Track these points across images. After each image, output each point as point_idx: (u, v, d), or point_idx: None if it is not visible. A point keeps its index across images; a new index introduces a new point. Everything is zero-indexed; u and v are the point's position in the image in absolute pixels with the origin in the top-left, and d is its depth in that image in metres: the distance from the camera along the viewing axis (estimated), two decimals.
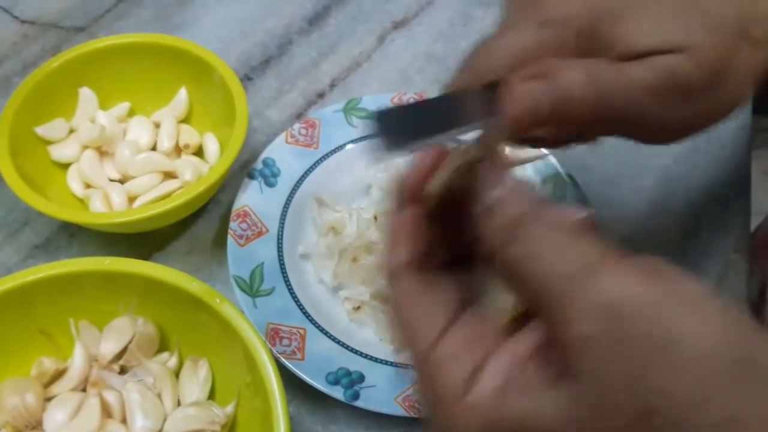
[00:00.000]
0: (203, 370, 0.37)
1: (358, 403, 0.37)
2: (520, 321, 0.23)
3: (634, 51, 0.28)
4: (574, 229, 0.22)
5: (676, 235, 0.48)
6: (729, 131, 0.53)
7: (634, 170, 0.51)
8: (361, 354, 0.40)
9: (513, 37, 0.29)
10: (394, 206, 0.25)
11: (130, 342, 0.37)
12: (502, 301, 0.24)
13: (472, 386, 0.21)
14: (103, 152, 0.48)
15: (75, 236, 0.47)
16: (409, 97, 0.50)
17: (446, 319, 0.23)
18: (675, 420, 0.19)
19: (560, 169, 0.47)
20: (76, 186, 0.46)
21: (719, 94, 0.29)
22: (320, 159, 0.48)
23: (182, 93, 0.49)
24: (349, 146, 0.48)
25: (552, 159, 0.47)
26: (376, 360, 0.39)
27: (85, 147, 0.47)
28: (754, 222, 0.52)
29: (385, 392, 0.38)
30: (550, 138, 0.32)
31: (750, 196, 0.50)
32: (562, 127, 0.31)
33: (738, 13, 0.29)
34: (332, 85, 0.55)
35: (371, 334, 0.42)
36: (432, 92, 0.51)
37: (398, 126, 0.24)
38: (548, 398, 0.20)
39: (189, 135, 0.48)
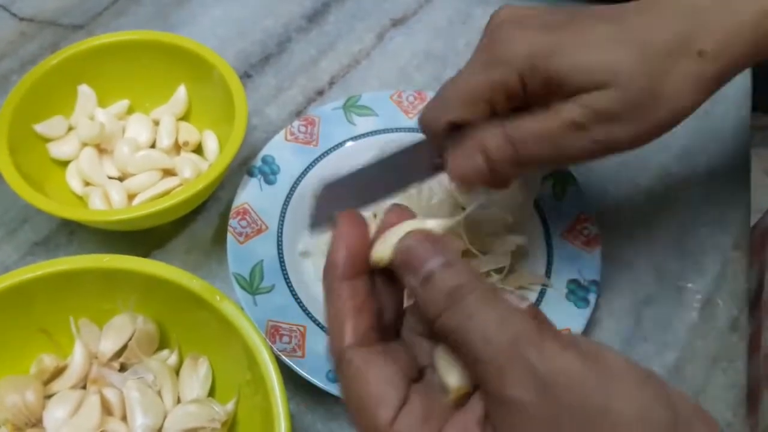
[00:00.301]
0: (203, 367, 0.37)
1: None
2: (465, 395, 0.24)
3: (567, 88, 0.31)
4: (511, 305, 0.23)
5: (675, 232, 0.48)
6: (728, 129, 0.53)
7: (634, 168, 0.51)
8: None
9: (466, 78, 0.33)
10: (329, 286, 0.26)
11: (129, 339, 0.37)
12: (445, 370, 0.25)
13: None
14: (102, 150, 0.48)
15: (74, 234, 0.47)
16: (408, 94, 0.50)
17: (399, 396, 0.24)
18: None
19: (560, 167, 0.47)
20: (75, 183, 0.46)
21: (655, 111, 0.31)
22: (320, 156, 0.48)
23: (181, 90, 0.49)
24: (349, 144, 0.48)
25: None
26: None
27: (84, 144, 0.47)
28: (753, 220, 0.52)
29: None
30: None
31: (750, 194, 0.50)
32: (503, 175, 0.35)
33: (681, 33, 0.31)
34: (331, 83, 0.55)
35: None
36: (431, 89, 0.51)
37: (330, 202, 0.25)
38: None
39: (188, 132, 0.48)
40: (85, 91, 0.49)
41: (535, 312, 0.23)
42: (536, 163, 0.33)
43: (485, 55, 0.33)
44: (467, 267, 0.24)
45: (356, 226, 0.26)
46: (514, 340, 0.22)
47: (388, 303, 0.26)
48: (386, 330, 0.26)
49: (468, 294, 0.23)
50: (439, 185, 0.44)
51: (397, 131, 0.49)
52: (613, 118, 0.31)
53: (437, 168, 0.36)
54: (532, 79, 0.32)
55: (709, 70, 0.31)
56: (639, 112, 0.31)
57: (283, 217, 0.45)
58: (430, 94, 0.50)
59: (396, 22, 0.59)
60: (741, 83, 0.55)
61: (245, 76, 0.55)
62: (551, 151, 0.32)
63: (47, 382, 0.37)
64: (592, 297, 0.42)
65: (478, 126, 0.33)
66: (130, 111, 0.50)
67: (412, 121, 0.49)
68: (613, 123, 0.31)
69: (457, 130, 0.34)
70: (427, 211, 0.43)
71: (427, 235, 0.25)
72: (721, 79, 0.32)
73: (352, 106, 0.49)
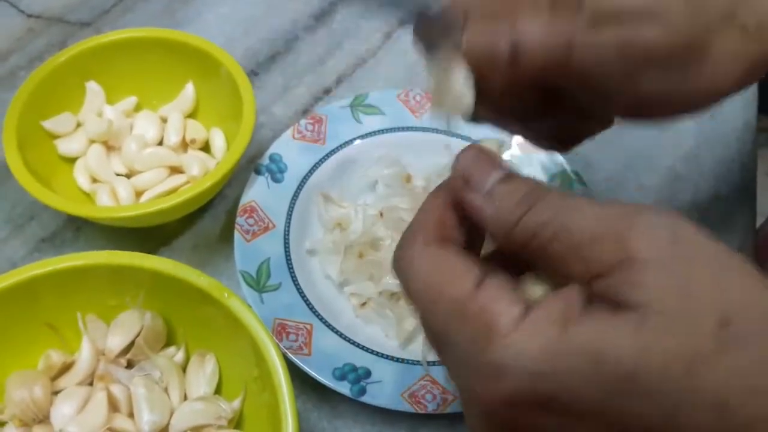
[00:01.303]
0: (210, 364, 0.37)
1: (365, 399, 0.37)
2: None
3: (604, 9, 0.26)
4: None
5: None
6: (735, 132, 0.53)
7: (640, 169, 0.51)
8: (367, 350, 0.40)
9: None
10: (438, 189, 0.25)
11: (137, 336, 0.37)
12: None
13: (533, 310, 0.21)
14: (109, 147, 0.48)
15: (81, 230, 0.47)
16: (415, 93, 0.50)
17: (477, 276, 0.22)
18: (750, 340, 0.19)
19: (566, 167, 0.47)
20: (82, 180, 0.46)
21: (696, 74, 0.27)
22: (327, 155, 0.48)
23: (189, 88, 0.49)
24: (356, 142, 0.48)
25: (559, 157, 0.47)
26: (382, 356, 0.39)
27: (92, 141, 0.47)
28: (758, 222, 0.52)
29: (391, 388, 0.38)
30: (527, 117, 0.31)
31: (755, 196, 0.50)
32: (526, 93, 0.28)
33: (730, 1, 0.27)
34: (339, 81, 0.55)
35: (378, 330, 0.42)
36: None
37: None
38: (613, 326, 0.20)
39: (196, 130, 0.48)
40: (93, 87, 0.49)
41: None
42: (561, 82, 0.27)
43: None
44: (528, 178, 0.23)
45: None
46: (623, 211, 0.21)
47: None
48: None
49: (545, 195, 0.22)
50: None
51: (404, 130, 0.49)
52: (650, 56, 0.26)
53: None
54: None
55: (753, 48, 0.27)
56: (680, 63, 0.27)
57: (290, 215, 0.45)
58: None
59: (403, 22, 0.59)
60: None
61: (252, 74, 0.55)
62: (585, 67, 0.27)
63: (55, 378, 0.37)
64: None
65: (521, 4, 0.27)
66: (137, 108, 0.50)
67: (419, 120, 0.49)
68: (646, 63, 0.27)
69: None
70: None
71: (481, 150, 0.24)
72: (765, 63, 0.28)
73: (359, 105, 0.49)
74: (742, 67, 0.28)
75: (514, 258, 0.23)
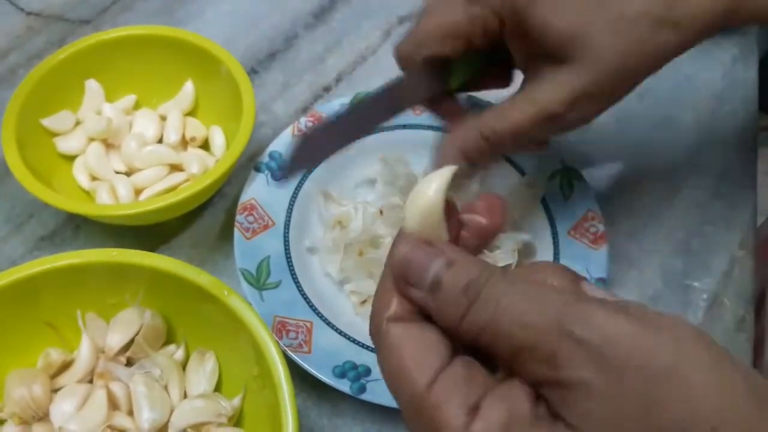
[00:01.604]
0: (210, 362, 0.37)
1: (365, 396, 0.37)
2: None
3: (538, 45, 0.32)
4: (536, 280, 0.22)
5: (682, 231, 0.48)
6: (736, 130, 0.53)
7: (642, 167, 0.51)
8: (367, 347, 0.40)
9: (444, 12, 0.33)
10: (387, 263, 0.24)
11: (136, 334, 0.37)
12: None
13: (476, 419, 0.21)
14: (109, 145, 0.48)
15: (80, 229, 0.47)
16: None
17: (440, 361, 0.22)
18: None
19: (567, 165, 0.46)
20: (82, 178, 0.46)
21: (621, 87, 0.33)
22: None
23: (188, 86, 0.49)
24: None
25: (560, 154, 0.47)
26: None
27: (92, 139, 0.47)
28: (759, 220, 0.52)
29: None
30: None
31: (756, 194, 0.50)
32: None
33: (654, 4, 0.31)
34: (338, 79, 0.55)
35: None
36: None
37: (310, 146, 0.24)
38: None
39: (195, 128, 0.48)
40: (92, 86, 0.49)
41: (572, 276, 0.22)
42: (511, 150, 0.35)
43: None
44: (471, 258, 0.22)
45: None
46: (555, 319, 0.20)
47: None
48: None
49: (485, 285, 0.21)
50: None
51: (402, 128, 0.49)
52: (585, 100, 0.33)
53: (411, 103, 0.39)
54: (510, 21, 0.33)
55: (672, 41, 0.32)
56: (608, 91, 0.33)
57: (290, 212, 0.45)
58: None
59: (402, 20, 0.59)
60: (749, 84, 0.55)
61: (252, 72, 0.55)
62: (527, 140, 0.35)
63: (54, 376, 0.37)
64: None
65: (455, 128, 0.36)
66: (137, 106, 0.50)
67: (418, 118, 0.49)
68: (585, 103, 0.33)
69: (432, 65, 0.35)
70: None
71: (417, 241, 0.23)
72: (684, 48, 0.33)
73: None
74: (664, 57, 0.33)
75: None
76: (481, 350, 0.22)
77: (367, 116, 0.28)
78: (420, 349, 0.22)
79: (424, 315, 0.23)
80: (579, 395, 0.20)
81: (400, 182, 0.46)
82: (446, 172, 0.23)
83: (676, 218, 0.49)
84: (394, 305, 0.23)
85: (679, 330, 0.20)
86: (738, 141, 0.52)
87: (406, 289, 0.23)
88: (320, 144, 0.25)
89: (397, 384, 0.22)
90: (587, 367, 0.19)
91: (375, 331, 0.23)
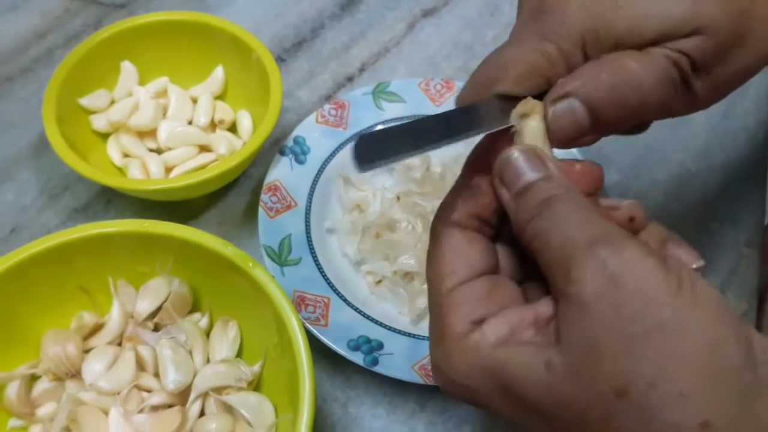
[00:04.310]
0: (233, 330, 0.39)
1: (377, 369, 0.39)
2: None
3: (645, 39, 0.26)
4: (598, 209, 0.23)
5: (690, 228, 0.49)
6: (747, 129, 0.54)
7: (652, 163, 0.52)
8: (381, 324, 0.41)
9: (514, 51, 0.28)
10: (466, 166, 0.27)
11: (164, 301, 0.39)
12: None
13: (477, 329, 0.23)
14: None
15: (112, 202, 0.49)
16: (436, 83, 0.52)
17: (469, 273, 0.25)
18: (644, 411, 0.20)
19: (577, 159, 0.48)
20: (115, 155, 0.49)
21: (741, 58, 0.28)
22: (348, 139, 0.49)
23: (219, 70, 0.51)
24: (377, 128, 0.50)
25: (572, 150, 0.48)
26: (395, 330, 0.41)
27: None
28: (767, 219, 0.54)
29: (402, 360, 0.40)
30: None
31: (765, 192, 0.51)
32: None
33: None
34: (362, 69, 0.57)
35: (391, 308, 0.44)
36: (458, 79, 0.53)
37: (372, 147, 0.25)
38: (537, 357, 0.22)
39: (224, 111, 0.50)
40: (127, 67, 0.51)
41: (632, 212, 0.24)
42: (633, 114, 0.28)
43: (534, 26, 0.28)
44: (567, 181, 0.24)
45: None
46: (592, 240, 0.21)
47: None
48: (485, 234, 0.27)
49: (560, 201, 0.23)
50: None
51: None
52: (702, 65, 0.27)
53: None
54: (595, 44, 0.27)
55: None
56: (730, 56, 0.27)
57: (312, 194, 0.47)
58: (457, 83, 0.51)
59: (426, 13, 0.61)
60: (760, 83, 0.56)
61: (279, 60, 0.57)
62: (649, 96, 0.27)
63: (86, 338, 0.39)
64: None
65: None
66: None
67: (439, 108, 0.51)
68: (699, 71, 0.27)
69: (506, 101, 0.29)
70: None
71: (528, 148, 0.25)
72: None
73: (381, 92, 0.51)
74: None
75: None
76: (534, 262, 0.24)
77: (436, 130, 0.27)
78: (458, 257, 0.25)
79: (482, 224, 0.26)
80: (576, 314, 0.21)
81: (415, 173, 0.48)
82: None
83: (685, 215, 0.50)
84: (458, 208, 0.26)
85: (704, 298, 0.20)
86: (749, 142, 0.54)
87: (498, 187, 0.25)
88: (389, 144, 0.25)
89: (430, 277, 0.25)
90: (594, 290, 0.21)
91: (433, 226, 0.26)
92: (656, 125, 0.53)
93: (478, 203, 0.26)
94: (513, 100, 0.27)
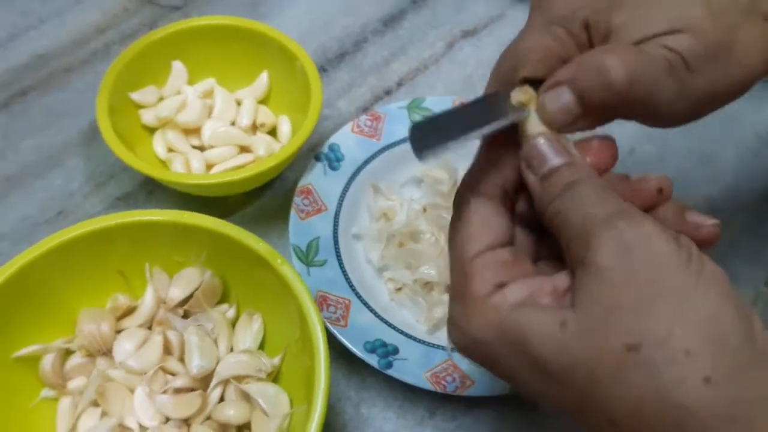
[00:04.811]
0: (257, 323, 0.41)
1: (390, 372, 0.41)
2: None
3: (640, 37, 0.28)
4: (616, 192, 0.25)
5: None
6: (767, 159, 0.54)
7: (679, 197, 0.52)
8: (398, 330, 0.43)
9: (529, 40, 0.30)
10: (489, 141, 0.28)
11: (195, 290, 0.41)
12: None
13: (499, 291, 0.25)
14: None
15: (153, 194, 0.52)
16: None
17: (493, 241, 0.26)
18: (652, 366, 0.21)
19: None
20: (160, 149, 0.51)
21: (725, 69, 0.28)
22: (381, 150, 0.51)
23: (264, 76, 0.54)
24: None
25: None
26: (411, 337, 0.43)
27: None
28: None
29: (415, 366, 0.41)
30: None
31: None
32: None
33: None
34: (399, 84, 0.59)
35: (409, 315, 0.45)
36: None
37: (428, 133, 0.26)
38: (553, 317, 0.23)
39: (266, 115, 0.53)
40: (177, 66, 0.53)
41: (661, 184, 0.26)
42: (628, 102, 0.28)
43: (542, 14, 0.31)
44: (588, 168, 0.26)
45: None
46: (611, 213, 0.23)
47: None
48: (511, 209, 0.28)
49: (581, 184, 0.25)
50: None
51: None
52: (690, 62, 0.28)
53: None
54: (597, 31, 0.29)
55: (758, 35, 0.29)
56: (715, 63, 0.28)
57: (342, 200, 0.49)
58: None
59: (466, 33, 0.63)
60: None
61: (321, 70, 0.59)
62: (648, 84, 0.28)
63: (119, 319, 0.42)
64: None
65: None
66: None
67: None
68: (688, 69, 0.28)
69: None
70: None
71: (553, 135, 0.27)
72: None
73: (415, 107, 0.53)
74: (765, 51, 0.29)
75: None
76: (555, 239, 0.25)
77: (483, 112, 0.28)
78: (483, 226, 0.27)
79: (505, 197, 0.27)
80: (592, 278, 0.23)
81: (442, 187, 0.49)
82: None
83: (708, 250, 0.50)
84: (487, 180, 0.27)
85: (712, 277, 0.22)
86: None
87: (525, 171, 0.27)
88: (442, 131, 0.27)
89: (454, 244, 0.27)
90: (610, 256, 0.22)
91: (460, 194, 0.28)
92: (687, 162, 0.54)
93: (504, 176, 0.28)
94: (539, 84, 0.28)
